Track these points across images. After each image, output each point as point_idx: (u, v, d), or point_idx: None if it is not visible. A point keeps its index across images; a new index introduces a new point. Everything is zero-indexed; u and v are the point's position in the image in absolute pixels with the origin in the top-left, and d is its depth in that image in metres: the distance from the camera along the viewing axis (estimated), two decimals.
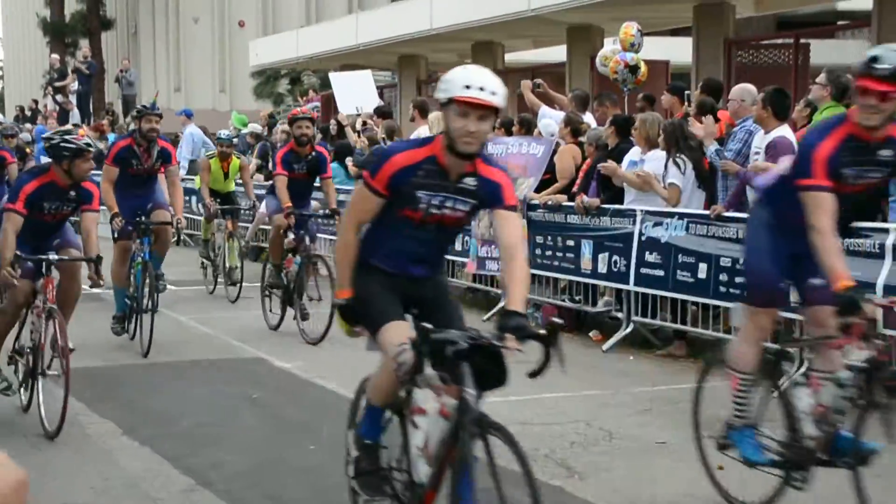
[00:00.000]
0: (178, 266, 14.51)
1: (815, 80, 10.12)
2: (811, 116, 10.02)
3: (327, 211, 11.61)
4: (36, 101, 34.74)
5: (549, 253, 11.46)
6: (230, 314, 12.65)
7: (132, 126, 10.88)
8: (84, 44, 37.72)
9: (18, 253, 7.73)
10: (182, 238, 12.29)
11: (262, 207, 14.33)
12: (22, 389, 8.08)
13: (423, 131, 14.22)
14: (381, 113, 17.38)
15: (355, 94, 18.56)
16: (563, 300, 11.51)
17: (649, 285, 10.23)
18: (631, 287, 10.44)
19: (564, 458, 6.93)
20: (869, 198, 5.98)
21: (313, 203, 13.33)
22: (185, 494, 6.31)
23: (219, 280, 14.12)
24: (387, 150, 5.30)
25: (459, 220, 5.10)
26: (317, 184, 11.81)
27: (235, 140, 16.46)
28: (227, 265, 13.88)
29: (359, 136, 16.49)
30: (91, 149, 7.96)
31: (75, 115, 30.52)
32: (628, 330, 10.57)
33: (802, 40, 17.31)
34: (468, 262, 12.67)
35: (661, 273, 10.08)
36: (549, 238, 11.48)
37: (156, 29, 45.20)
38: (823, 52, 17.91)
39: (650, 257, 10.22)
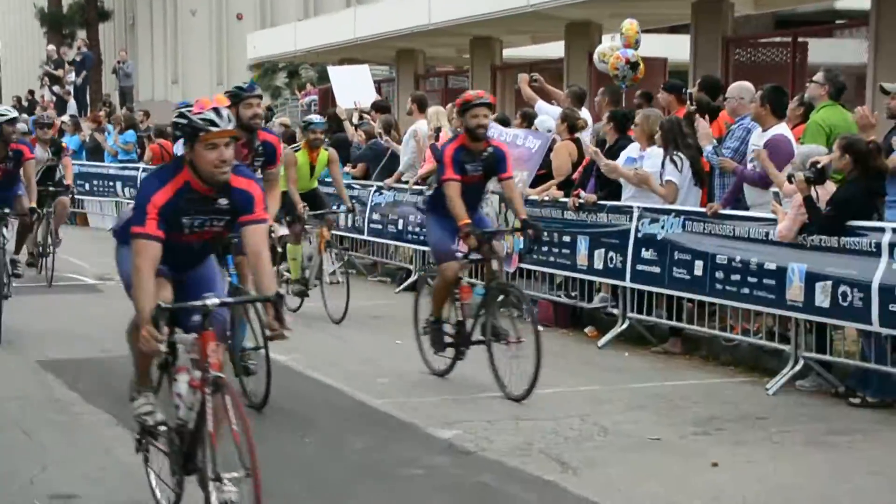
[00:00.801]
0: None
1: (812, 79, 10.14)
2: (806, 115, 10.04)
3: (515, 224, 9.34)
4: (32, 92, 34.72)
5: (545, 248, 11.45)
6: None
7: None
8: (81, 35, 37.69)
9: (163, 303, 5.26)
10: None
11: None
12: (154, 478, 5.86)
13: (420, 126, 14.21)
14: (378, 107, 17.37)
15: (354, 88, 18.56)
16: (559, 296, 11.51)
17: (645, 282, 10.23)
18: (627, 283, 10.44)
19: (559, 454, 6.93)
20: None
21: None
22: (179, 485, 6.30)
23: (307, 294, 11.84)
24: None
25: None
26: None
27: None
28: (328, 280, 11.71)
29: (356, 130, 16.51)
30: (214, 127, 5.32)
31: (72, 106, 30.54)
32: (624, 326, 10.57)
33: (800, 39, 17.30)
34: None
35: (657, 270, 10.08)
36: (546, 234, 11.44)
37: (153, 21, 45.11)
38: (821, 50, 17.90)
39: (646, 254, 10.22)
